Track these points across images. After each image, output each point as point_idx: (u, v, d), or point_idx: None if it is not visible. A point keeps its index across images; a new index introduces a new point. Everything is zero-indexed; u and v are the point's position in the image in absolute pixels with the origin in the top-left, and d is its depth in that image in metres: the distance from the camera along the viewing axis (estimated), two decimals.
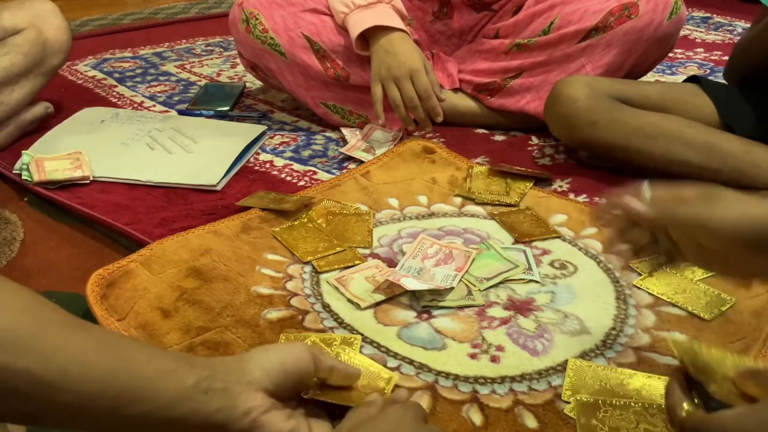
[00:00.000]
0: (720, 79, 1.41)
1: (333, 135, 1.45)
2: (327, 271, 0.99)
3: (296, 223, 1.09)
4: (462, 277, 0.97)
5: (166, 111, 1.57)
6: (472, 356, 0.84)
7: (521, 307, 0.92)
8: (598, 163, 1.28)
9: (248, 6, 1.40)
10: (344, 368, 0.68)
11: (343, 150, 1.35)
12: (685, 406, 0.56)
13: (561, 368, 0.82)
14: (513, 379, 0.81)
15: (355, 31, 1.32)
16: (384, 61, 1.31)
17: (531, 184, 1.22)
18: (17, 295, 0.51)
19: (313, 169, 1.31)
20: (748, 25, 1.68)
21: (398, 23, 1.33)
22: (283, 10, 1.40)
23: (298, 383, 0.63)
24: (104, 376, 0.51)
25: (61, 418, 0.52)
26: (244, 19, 1.40)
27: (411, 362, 0.83)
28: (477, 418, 0.75)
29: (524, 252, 1.04)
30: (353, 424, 0.60)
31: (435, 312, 0.91)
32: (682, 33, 1.89)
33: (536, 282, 0.97)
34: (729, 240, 0.63)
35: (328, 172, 1.30)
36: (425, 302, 0.92)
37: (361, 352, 0.84)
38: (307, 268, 1.00)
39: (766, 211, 0.62)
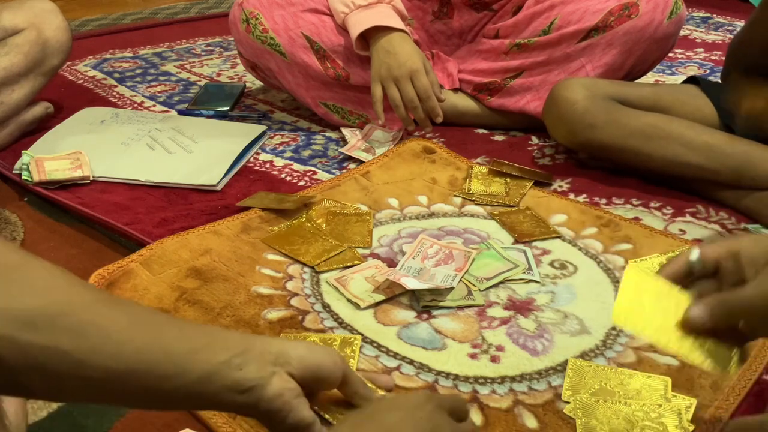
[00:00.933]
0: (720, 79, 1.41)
1: (333, 135, 1.45)
2: (327, 271, 0.99)
3: (284, 227, 1.09)
4: (462, 277, 0.97)
5: (166, 111, 1.57)
6: (472, 356, 0.84)
7: (521, 307, 0.93)
8: (598, 164, 1.28)
9: (248, 6, 1.40)
10: (366, 393, 0.63)
11: (343, 150, 1.35)
12: None
13: (561, 368, 0.82)
14: (513, 379, 0.81)
15: (355, 31, 1.32)
16: (384, 62, 1.31)
17: (531, 184, 1.22)
18: (46, 272, 0.51)
19: (313, 169, 1.31)
20: None
21: (398, 23, 1.33)
22: (283, 10, 1.40)
23: (319, 388, 0.61)
24: (135, 353, 0.50)
25: (90, 394, 0.52)
26: (244, 19, 1.40)
27: (411, 362, 0.83)
28: (477, 418, 0.75)
29: (524, 252, 1.04)
30: (373, 408, 0.59)
31: (435, 312, 0.91)
32: (682, 33, 1.89)
33: (536, 282, 0.97)
34: None
35: (328, 172, 1.30)
36: (425, 302, 0.92)
37: (361, 352, 0.84)
38: (307, 268, 1.00)
39: None
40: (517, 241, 1.07)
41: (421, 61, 1.32)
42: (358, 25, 1.33)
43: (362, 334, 0.87)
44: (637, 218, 1.13)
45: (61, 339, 0.48)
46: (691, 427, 0.73)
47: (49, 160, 1.24)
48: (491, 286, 0.96)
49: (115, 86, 1.72)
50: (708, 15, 2.34)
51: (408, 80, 1.31)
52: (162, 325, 0.54)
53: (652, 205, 1.18)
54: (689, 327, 0.58)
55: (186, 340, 0.53)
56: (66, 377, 0.49)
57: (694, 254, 0.60)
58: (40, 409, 0.76)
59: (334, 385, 0.61)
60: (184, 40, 2.10)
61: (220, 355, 0.53)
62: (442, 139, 1.41)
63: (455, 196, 1.20)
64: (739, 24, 2.23)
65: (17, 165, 1.26)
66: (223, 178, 1.23)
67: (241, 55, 1.50)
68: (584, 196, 1.21)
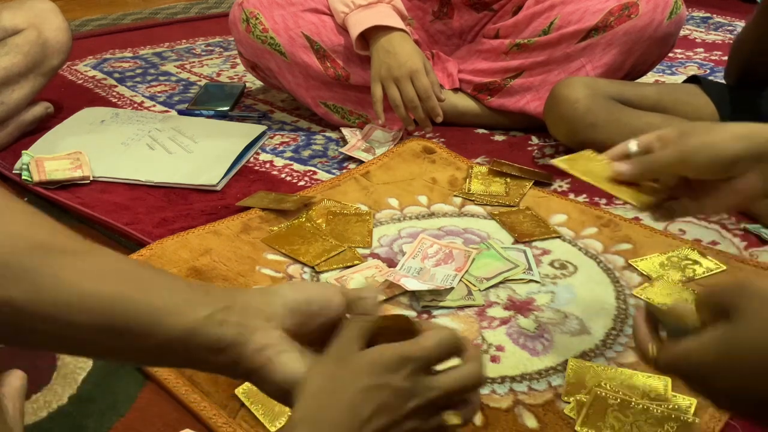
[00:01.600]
0: (720, 78, 1.40)
1: (333, 135, 1.45)
2: (327, 271, 0.99)
3: (284, 227, 1.09)
4: (462, 277, 0.97)
5: (166, 111, 1.57)
6: None
7: (521, 307, 0.92)
8: None
9: (248, 6, 1.40)
10: (364, 292, 0.57)
11: (343, 150, 1.35)
12: (650, 347, 0.57)
13: (561, 368, 0.82)
14: (513, 379, 0.81)
15: (355, 31, 1.32)
16: (384, 62, 1.31)
17: (531, 184, 1.22)
18: (9, 213, 0.46)
19: (313, 169, 1.31)
20: None
21: (398, 23, 1.33)
22: (283, 9, 1.40)
23: (323, 327, 0.55)
24: (105, 308, 0.46)
25: (58, 347, 0.49)
26: (244, 18, 1.40)
27: None
28: (477, 418, 0.75)
29: (524, 252, 1.04)
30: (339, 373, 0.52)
31: (435, 312, 0.91)
32: (682, 33, 1.89)
33: (536, 282, 0.97)
34: (708, 164, 0.70)
35: (328, 172, 1.30)
36: (425, 302, 0.92)
37: None
38: (307, 268, 1.00)
39: (736, 130, 0.70)
40: (517, 241, 1.07)
41: (421, 61, 1.32)
42: (358, 24, 1.33)
43: None
44: (637, 218, 1.13)
45: (16, 291, 0.44)
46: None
47: (49, 160, 1.24)
48: (491, 286, 0.96)
49: (115, 86, 1.72)
50: (708, 15, 2.33)
51: (408, 80, 1.30)
52: (139, 277, 0.50)
53: None
54: (616, 177, 0.75)
55: (165, 294, 0.49)
56: (26, 331, 0.45)
57: (633, 141, 0.77)
58: (40, 409, 0.76)
59: (333, 316, 0.55)
60: (184, 40, 2.10)
61: (200, 311, 0.49)
62: (442, 139, 1.41)
63: (455, 196, 1.20)
64: (739, 24, 2.23)
65: (17, 165, 1.26)
66: (223, 178, 1.23)
67: (241, 55, 1.50)
68: (584, 196, 1.21)
